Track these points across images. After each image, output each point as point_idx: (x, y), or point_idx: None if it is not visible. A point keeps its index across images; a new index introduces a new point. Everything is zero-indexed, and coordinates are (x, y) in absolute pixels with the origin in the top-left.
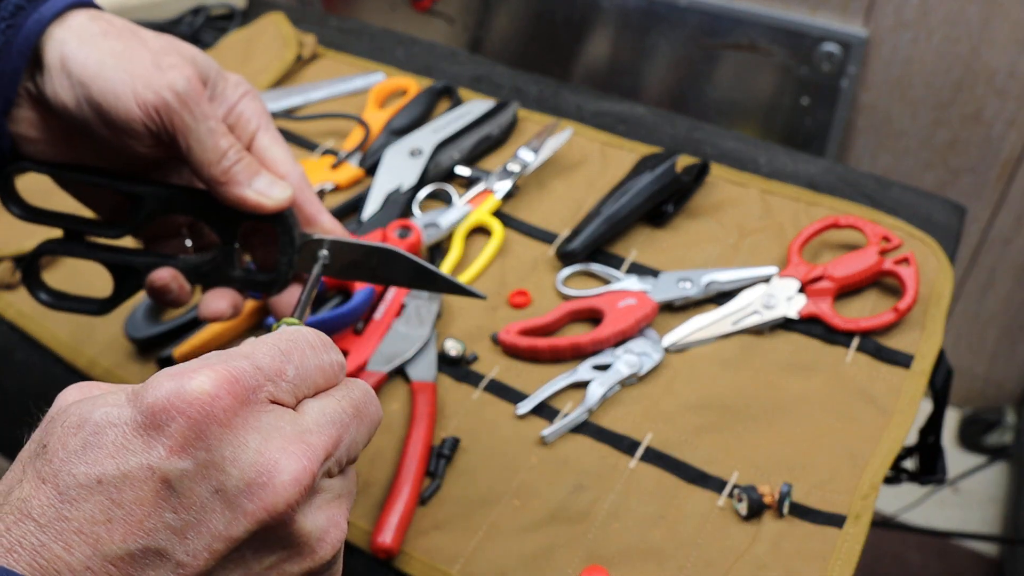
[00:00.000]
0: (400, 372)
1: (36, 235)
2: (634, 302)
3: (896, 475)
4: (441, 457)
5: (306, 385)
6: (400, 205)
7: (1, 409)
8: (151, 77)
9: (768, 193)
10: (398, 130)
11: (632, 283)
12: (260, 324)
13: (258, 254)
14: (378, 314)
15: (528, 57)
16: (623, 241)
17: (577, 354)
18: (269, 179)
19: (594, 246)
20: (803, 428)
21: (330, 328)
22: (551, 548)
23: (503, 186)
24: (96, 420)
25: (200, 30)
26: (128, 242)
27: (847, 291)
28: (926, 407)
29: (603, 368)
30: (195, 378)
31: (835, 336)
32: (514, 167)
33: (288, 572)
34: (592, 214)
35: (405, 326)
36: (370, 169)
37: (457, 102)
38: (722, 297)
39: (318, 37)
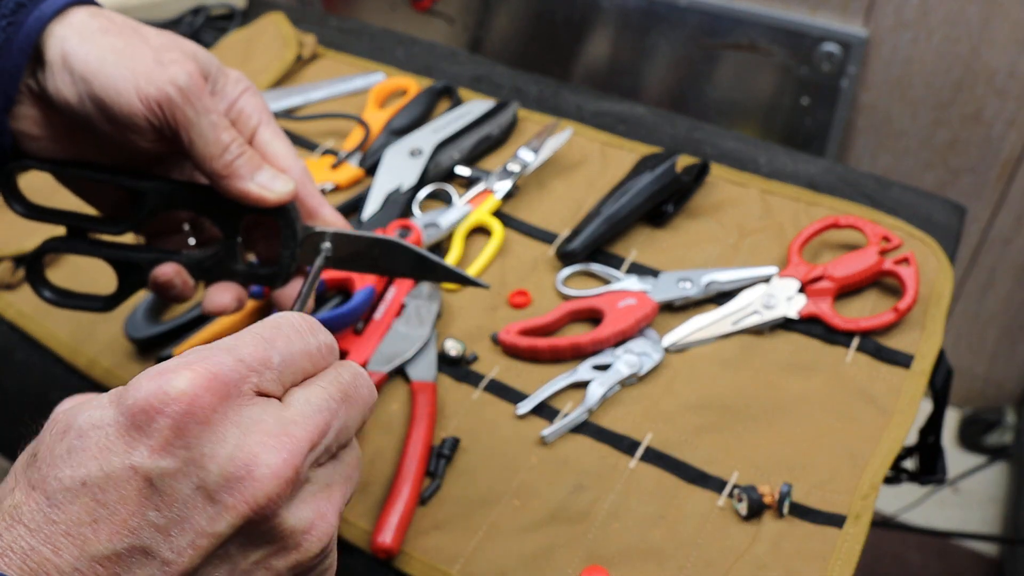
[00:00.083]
0: (400, 372)
1: (36, 235)
2: (634, 302)
3: (896, 475)
4: (441, 457)
5: (292, 371)
6: (400, 205)
7: (1, 409)
8: (153, 72)
9: (768, 193)
10: (398, 130)
11: (632, 283)
12: None
13: (260, 248)
14: (378, 314)
15: (528, 57)
16: (623, 241)
17: (577, 354)
18: (271, 173)
19: (594, 246)
20: (803, 428)
21: (330, 328)
22: (551, 548)
23: (503, 186)
24: (80, 424)
25: (200, 30)
26: (131, 238)
27: (847, 291)
28: (926, 407)
29: (603, 368)
30: (175, 378)
31: (835, 336)
32: (514, 167)
33: (276, 567)
34: (592, 214)
35: (405, 326)
36: (370, 169)
37: (457, 102)
38: (722, 297)
39: (318, 37)
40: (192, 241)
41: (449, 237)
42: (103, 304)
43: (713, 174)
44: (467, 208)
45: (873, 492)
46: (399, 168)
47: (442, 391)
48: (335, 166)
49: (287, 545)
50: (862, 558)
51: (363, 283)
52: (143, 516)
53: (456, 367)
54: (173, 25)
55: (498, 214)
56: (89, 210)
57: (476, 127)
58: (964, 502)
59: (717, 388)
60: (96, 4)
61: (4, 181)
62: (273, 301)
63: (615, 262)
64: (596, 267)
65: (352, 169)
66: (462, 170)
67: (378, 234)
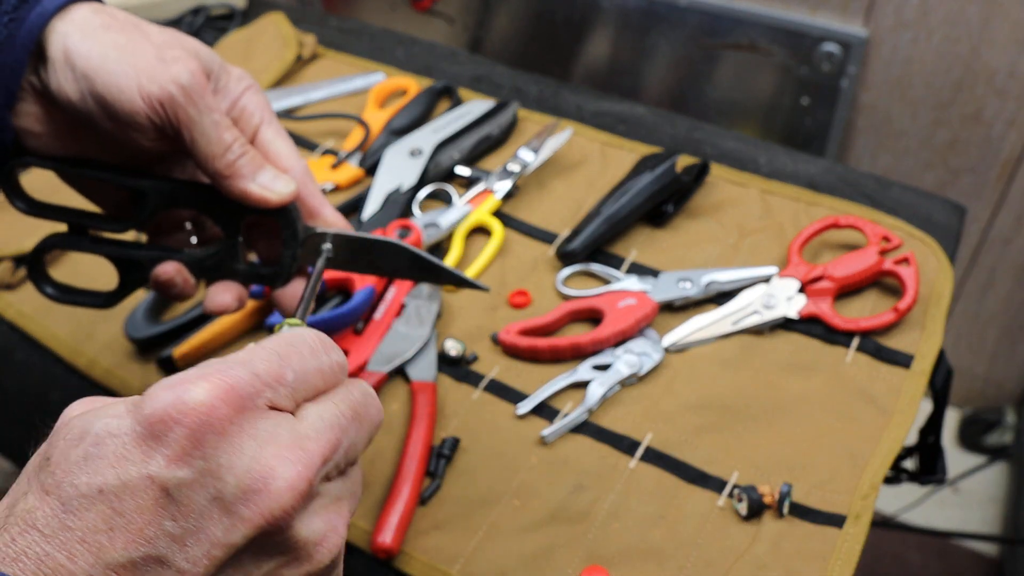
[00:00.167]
0: (400, 372)
1: (36, 235)
2: (634, 302)
3: (896, 475)
4: (441, 457)
5: (305, 388)
6: (400, 205)
7: (1, 409)
8: (155, 70)
9: (768, 193)
10: (398, 130)
11: (632, 283)
12: (261, 324)
13: (261, 247)
14: (378, 314)
15: (528, 57)
16: (623, 241)
17: (577, 354)
18: (273, 173)
19: (594, 246)
20: (803, 428)
21: (330, 328)
22: (551, 548)
23: (503, 186)
24: (97, 431)
25: (200, 30)
26: (132, 236)
27: (847, 291)
28: (926, 407)
29: (603, 368)
30: (193, 388)
31: (835, 336)
32: (514, 167)
33: None
34: (592, 214)
35: (405, 326)
36: (370, 169)
37: (457, 102)
38: (722, 297)
39: (318, 37)
40: (194, 239)
41: (449, 237)
42: (104, 301)
43: (713, 174)
44: (467, 208)
45: (873, 492)
46: (399, 168)
47: (442, 391)
48: (335, 166)
49: (299, 556)
50: (862, 558)
51: (363, 283)
52: (159, 525)
53: (456, 367)
54: (173, 25)
55: (498, 214)
56: (91, 207)
57: (476, 127)
58: (964, 502)
59: (717, 388)
60: (99, 0)
61: (6, 178)
62: (273, 301)
63: (615, 262)
64: (596, 267)
65: (352, 169)
66: (462, 170)
67: (379, 236)
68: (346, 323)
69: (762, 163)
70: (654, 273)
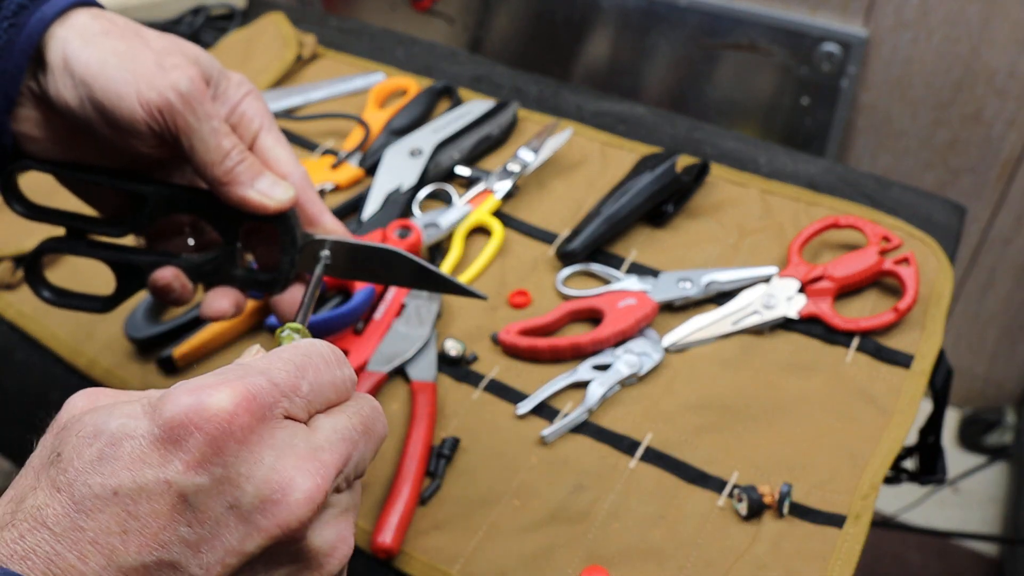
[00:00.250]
0: (400, 372)
1: (36, 235)
2: (634, 302)
3: (896, 475)
4: (441, 457)
5: (319, 400)
6: (400, 205)
7: (1, 409)
8: (154, 77)
9: (768, 193)
10: (398, 130)
11: (632, 283)
12: (261, 324)
13: (260, 253)
14: (378, 314)
15: (528, 57)
16: (623, 241)
17: (577, 354)
18: (272, 180)
19: (594, 246)
20: (803, 428)
21: (330, 328)
22: (551, 548)
23: (503, 186)
24: (112, 431)
25: (200, 30)
26: (130, 240)
27: (847, 291)
28: (926, 407)
29: (603, 368)
30: (214, 394)
31: (835, 336)
32: (514, 167)
33: None
34: (592, 214)
35: (405, 326)
36: (370, 169)
37: (457, 102)
38: (722, 297)
39: (318, 37)
40: (192, 244)
41: (449, 237)
42: (102, 305)
43: (713, 174)
44: (467, 208)
45: (873, 492)
46: (399, 168)
47: (442, 391)
48: (335, 166)
49: (311, 565)
50: (862, 558)
51: (363, 283)
52: (174, 531)
53: (456, 367)
54: (173, 25)
55: (498, 214)
56: (90, 211)
57: (476, 127)
58: (964, 502)
59: (717, 388)
60: (98, 5)
61: (5, 182)
62: (271, 306)
63: (615, 262)
64: (596, 267)
65: (352, 169)
66: (462, 170)
67: (378, 243)
68: (346, 323)
69: (762, 163)
70: (654, 273)
